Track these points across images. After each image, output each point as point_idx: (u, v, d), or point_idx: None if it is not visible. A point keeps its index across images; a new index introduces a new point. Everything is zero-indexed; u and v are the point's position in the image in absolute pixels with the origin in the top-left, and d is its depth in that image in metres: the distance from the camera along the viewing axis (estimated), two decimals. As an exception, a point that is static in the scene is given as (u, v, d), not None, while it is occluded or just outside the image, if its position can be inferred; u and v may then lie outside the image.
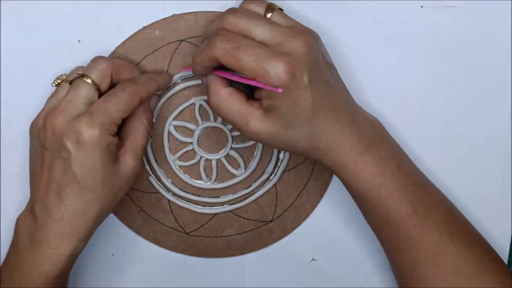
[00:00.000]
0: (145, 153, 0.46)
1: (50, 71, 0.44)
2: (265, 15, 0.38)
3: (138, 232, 0.48)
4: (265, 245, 0.48)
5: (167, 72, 0.44)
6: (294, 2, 0.43)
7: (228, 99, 0.37)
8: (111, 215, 0.47)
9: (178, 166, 0.46)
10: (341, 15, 0.44)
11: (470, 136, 0.46)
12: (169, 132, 0.46)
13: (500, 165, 0.47)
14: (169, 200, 0.47)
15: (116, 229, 0.48)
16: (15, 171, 0.46)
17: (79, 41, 0.44)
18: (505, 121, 0.46)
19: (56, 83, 0.41)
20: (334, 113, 0.37)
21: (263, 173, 0.47)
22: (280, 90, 0.34)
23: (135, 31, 0.44)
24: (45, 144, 0.38)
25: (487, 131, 0.46)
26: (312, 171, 0.46)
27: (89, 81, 0.39)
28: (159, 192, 0.47)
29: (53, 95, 0.40)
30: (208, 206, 0.47)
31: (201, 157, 0.46)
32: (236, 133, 0.46)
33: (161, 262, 0.49)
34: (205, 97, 0.45)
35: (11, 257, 0.40)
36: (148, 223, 0.47)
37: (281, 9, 0.39)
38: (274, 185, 0.47)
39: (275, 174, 0.47)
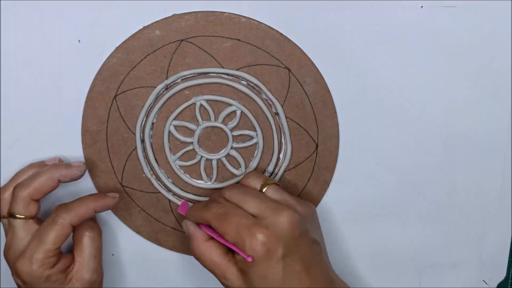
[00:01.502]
0: (145, 153, 0.46)
1: (50, 71, 0.44)
2: (261, 189, 0.42)
3: (138, 232, 0.48)
4: None
5: (167, 73, 0.44)
6: (294, 2, 0.43)
7: (209, 253, 0.41)
8: (112, 215, 0.47)
9: (179, 166, 0.46)
10: (341, 15, 0.44)
11: (470, 136, 0.46)
12: (169, 132, 0.46)
13: (500, 165, 0.47)
14: (169, 200, 0.47)
15: (116, 229, 0.48)
16: (15, 171, 0.46)
17: (79, 41, 0.44)
18: (505, 121, 0.46)
19: None
20: None
21: (263, 173, 0.47)
22: (249, 259, 0.38)
23: (135, 31, 0.44)
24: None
25: (487, 131, 0.46)
26: (313, 171, 0.47)
27: (19, 216, 0.42)
28: (159, 192, 0.47)
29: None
30: None
31: (202, 157, 0.46)
32: (236, 133, 0.46)
33: (161, 262, 0.49)
34: (205, 97, 0.45)
35: None
36: (148, 223, 0.47)
37: (277, 184, 0.42)
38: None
39: (275, 174, 0.47)
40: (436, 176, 0.47)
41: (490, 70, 0.45)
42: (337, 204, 0.48)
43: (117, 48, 0.44)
